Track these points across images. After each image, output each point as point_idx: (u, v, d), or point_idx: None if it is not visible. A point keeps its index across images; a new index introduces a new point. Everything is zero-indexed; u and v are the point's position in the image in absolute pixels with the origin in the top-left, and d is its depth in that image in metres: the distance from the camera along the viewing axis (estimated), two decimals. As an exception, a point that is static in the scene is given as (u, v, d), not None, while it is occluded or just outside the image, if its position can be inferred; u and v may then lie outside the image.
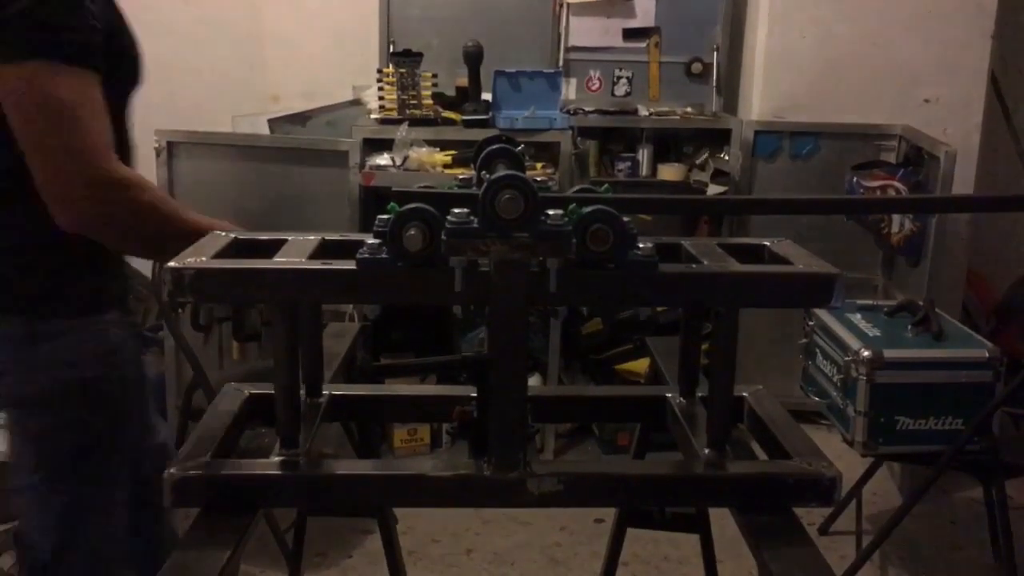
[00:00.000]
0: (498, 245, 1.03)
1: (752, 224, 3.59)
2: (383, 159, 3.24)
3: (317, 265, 1.11)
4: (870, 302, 2.85)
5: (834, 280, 1.11)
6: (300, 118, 3.51)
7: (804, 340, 2.84)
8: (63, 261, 1.52)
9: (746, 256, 1.22)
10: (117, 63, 1.47)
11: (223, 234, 1.23)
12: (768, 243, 1.26)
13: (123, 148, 1.55)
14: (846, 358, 2.51)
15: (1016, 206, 1.03)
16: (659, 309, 3.55)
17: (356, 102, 3.67)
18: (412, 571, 2.03)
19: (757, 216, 3.60)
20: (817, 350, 2.75)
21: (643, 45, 3.87)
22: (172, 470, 1.12)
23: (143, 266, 3.84)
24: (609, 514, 1.77)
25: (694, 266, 1.17)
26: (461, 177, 1.22)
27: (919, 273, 3.31)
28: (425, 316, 3.55)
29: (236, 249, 1.20)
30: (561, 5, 3.82)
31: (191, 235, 1.26)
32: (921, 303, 2.71)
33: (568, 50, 3.86)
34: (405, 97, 3.37)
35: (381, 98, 3.41)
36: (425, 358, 3.29)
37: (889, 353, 2.47)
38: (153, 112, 3.58)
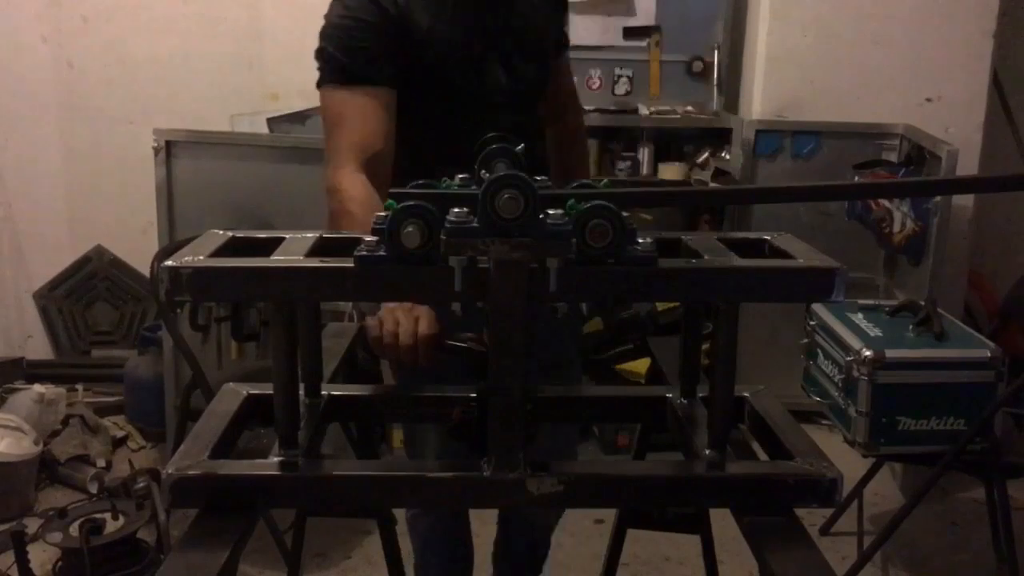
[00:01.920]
0: (498, 245, 1.03)
1: (753, 221, 3.58)
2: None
3: (314, 263, 1.11)
4: (872, 302, 2.83)
5: (835, 273, 1.11)
6: (299, 117, 3.51)
7: (805, 340, 2.83)
8: None
9: (747, 250, 1.22)
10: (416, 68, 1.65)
11: (220, 232, 1.22)
12: (769, 237, 1.26)
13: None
14: (847, 358, 2.50)
15: (1016, 186, 1.02)
16: (659, 309, 3.53)
17: (356, 101, 3.65)
18: (412, 571, 2.02)
19: (758, 213, 3.58)
20: (818, 350, 2.74)
21: (643, 44, 3.85)
22: (170, 470, 1.11)
23: (143, 265, 3.86)
24: (609, 514, 1.76)
25: (694, 261, 1.17)
26: (461, 177, 1.21)
27: (921, 273, 3.30)
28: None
29: (234, 247, 1.20)
30: (562, 4, 3.81)
31: None
32: (923, 303, 2.70)
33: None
34: (405, 96, 3.36)
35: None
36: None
37: (891, 353, 2.46)
38: (152, 111, 3.62)
